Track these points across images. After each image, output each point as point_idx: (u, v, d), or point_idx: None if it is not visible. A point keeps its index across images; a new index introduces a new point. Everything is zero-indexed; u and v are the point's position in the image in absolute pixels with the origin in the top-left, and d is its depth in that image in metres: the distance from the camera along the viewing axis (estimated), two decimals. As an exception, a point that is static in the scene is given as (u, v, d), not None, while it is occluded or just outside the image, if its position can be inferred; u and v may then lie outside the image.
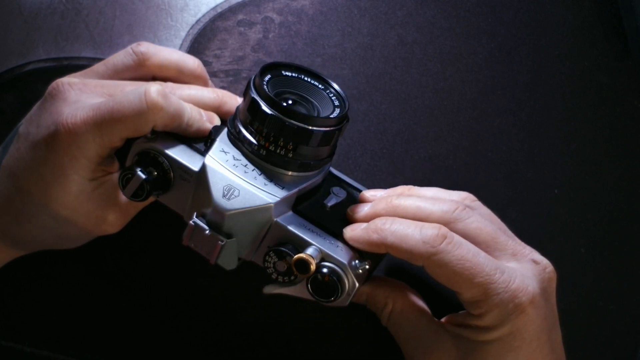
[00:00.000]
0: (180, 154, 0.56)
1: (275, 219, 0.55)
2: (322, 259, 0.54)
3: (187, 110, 0.57)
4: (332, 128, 0.55)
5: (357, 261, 0.55)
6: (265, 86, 0.55)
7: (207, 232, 0.54)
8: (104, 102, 0.56)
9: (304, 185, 0.56)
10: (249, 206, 0.54)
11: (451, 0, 0.67)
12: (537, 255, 0.57)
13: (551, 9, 0.69)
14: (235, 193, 0.54)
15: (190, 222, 0.54)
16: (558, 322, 0.58)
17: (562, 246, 0.66)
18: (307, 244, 0.54)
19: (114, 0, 0.67)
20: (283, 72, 0.58)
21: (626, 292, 0.70)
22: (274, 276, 0.55)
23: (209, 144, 0.57)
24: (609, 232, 0.69)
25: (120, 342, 0.65)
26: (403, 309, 0.59)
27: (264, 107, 0.54)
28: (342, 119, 0.56)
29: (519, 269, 0.55)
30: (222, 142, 0.56)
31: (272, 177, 0.56)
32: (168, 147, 0.56)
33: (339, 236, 0.56)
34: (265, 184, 0.55)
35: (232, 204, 0.54)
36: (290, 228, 0.55)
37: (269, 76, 0.56)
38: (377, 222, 0.55)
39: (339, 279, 0.54)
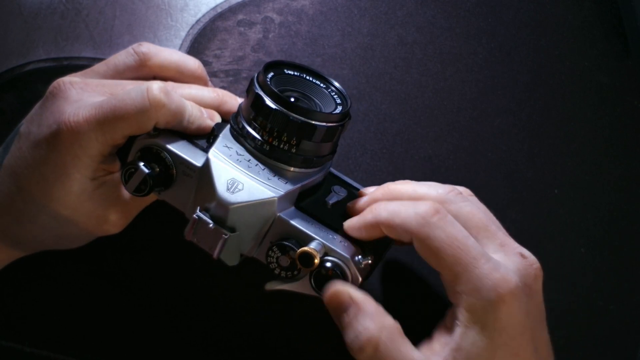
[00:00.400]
0: (183, 150, 0.56)
1: (278, 214, 0.55)
2: (325, 254, 0.54)
3: (188, 107, 0.57)
4: (335, 124, 0.56)
5: (359, 256, 0.55)
6: (269, 82, 0.55)
7: (210, 225, 0.54)
8: (106, 100, 0.56)
9: (306, 181, 0.57)
10: (253, 199, 0.54)
11: (451, 0, 0.67)
12: (525, 251, 0.56)
13: (551, 9, 0.69)
14: (240, 187, 0.54)
15: (194, 215, 0.54)
16: (545, 323, 0.57)
17: (562, 246, 0.66)
18: (310, 239, 0.54)
19: (114, 0, 0.67)
20: (285, 70, 0.58)
21: (626, 292, 0.70)
22: (276, 271, 0.55)
23: (211, 140, 0.57)
24: (609, 232, 0.69)
25: (120, 342, 0.64)
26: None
27: (269, 102, 0.55)
28: (345, 115, 0.57)
29: (505, 261, 0.54)
30: (225, 138, 0.57)
31: (276, 172, 0.56)
32: (171, 143, 0.56)
33: (340, 232, 0.56)
34: (269, 179, 0.55)
35: (237, 197, 0.54)
36: (293, 223, 0.55)
37: (271, 74, 0.57)
38: (373, 205, 0.56)
39: (342, 273, 0.54)
